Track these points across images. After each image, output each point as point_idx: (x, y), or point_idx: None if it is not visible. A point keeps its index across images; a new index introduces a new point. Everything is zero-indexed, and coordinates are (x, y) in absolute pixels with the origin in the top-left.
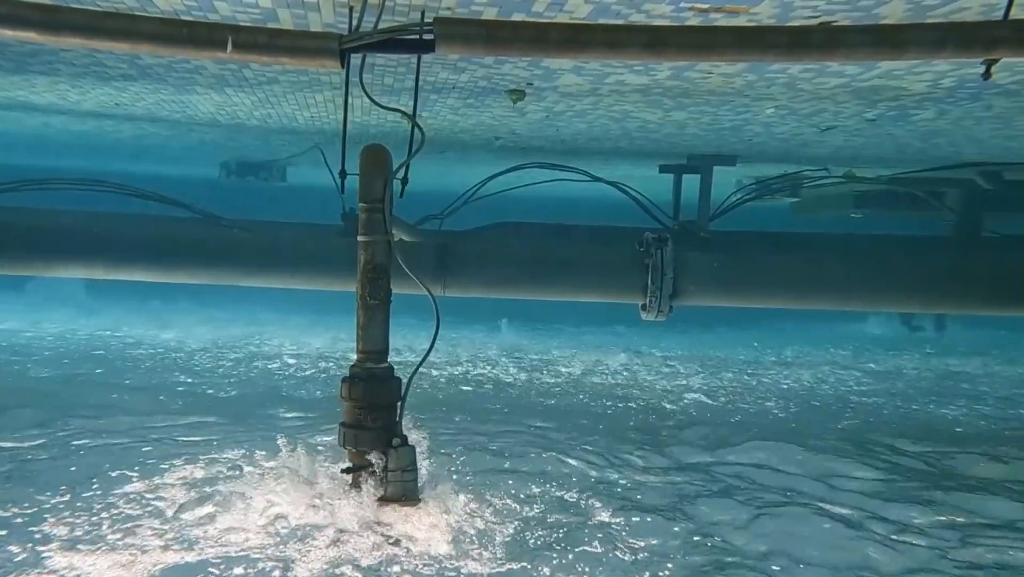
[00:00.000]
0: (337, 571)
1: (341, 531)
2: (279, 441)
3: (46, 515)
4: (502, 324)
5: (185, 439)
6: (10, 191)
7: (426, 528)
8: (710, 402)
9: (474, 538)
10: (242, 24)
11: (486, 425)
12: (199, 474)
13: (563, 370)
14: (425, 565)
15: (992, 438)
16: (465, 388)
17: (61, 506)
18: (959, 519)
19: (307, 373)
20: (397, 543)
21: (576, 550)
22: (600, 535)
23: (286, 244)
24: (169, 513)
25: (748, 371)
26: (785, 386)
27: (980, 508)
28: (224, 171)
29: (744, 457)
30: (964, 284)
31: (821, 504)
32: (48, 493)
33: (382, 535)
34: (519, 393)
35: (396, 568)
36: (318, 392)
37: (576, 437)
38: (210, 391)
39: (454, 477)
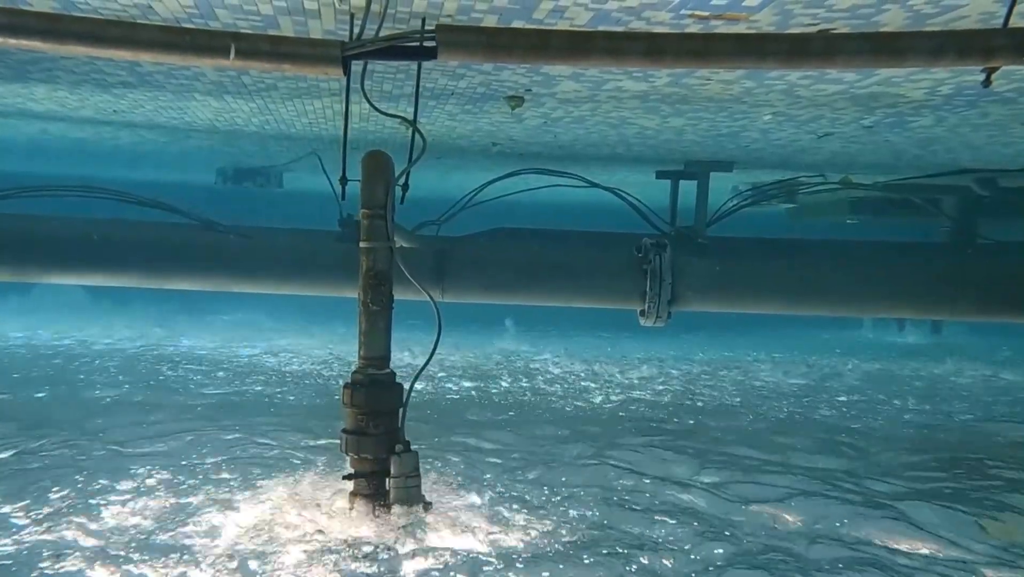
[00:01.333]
0: None
1: None
2: None
3: None
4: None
5: None
6: (7, 198)
7: None
8: None
9: None
10: (243, 31)
11: None
12: None
13: None
14: None
15: None
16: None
17: None
18: None
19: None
20: None
21: None
22: None
23: (283, 250)
24: None
25: None
26: None
27: None
28: (220, 177)
29: None
30: (960, 290)
31: None
32: None
33: None
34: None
35: None
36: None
37: None
38: None
39: None
